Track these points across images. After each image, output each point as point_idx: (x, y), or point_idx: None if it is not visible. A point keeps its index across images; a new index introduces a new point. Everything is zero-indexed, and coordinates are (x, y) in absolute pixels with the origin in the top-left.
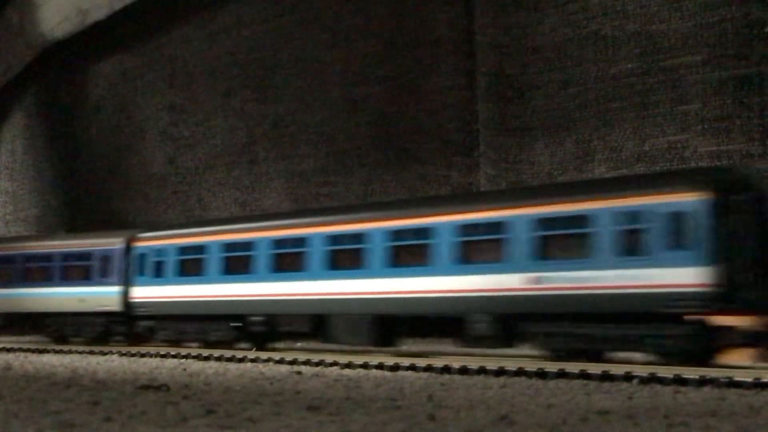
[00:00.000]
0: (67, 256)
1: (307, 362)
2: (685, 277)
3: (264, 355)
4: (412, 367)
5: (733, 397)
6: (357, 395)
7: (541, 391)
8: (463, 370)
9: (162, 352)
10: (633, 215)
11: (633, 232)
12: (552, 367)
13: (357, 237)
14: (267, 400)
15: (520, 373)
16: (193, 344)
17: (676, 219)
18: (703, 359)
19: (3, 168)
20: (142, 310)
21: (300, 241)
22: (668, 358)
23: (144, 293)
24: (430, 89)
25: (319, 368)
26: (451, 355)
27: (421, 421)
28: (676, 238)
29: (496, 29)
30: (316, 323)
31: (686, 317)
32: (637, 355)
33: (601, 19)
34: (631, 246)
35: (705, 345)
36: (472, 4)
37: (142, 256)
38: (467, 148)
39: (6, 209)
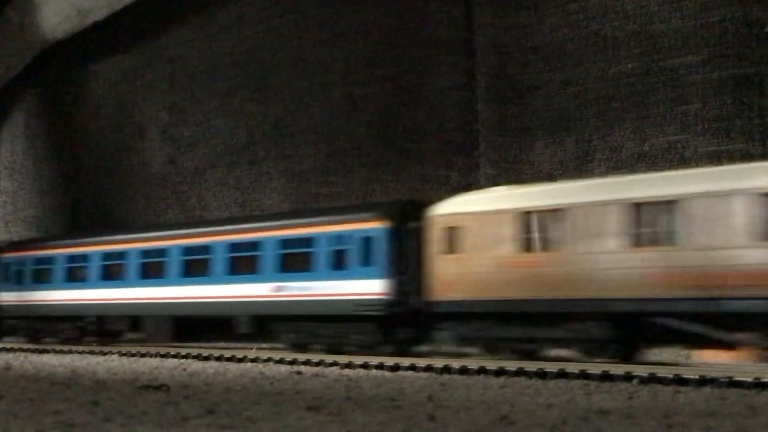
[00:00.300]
0: None
1: (307, 362)
2: (370, 287)
3: (264, 355)
4: (412, 367)
5: (733, 397)
6: (357, 395)
7: (541, 391)
8: (463, 370)
9: (162, 352)
10: (340, 239)
11: (340, 252)
12: (552, 367)
13: (160, 252)
14: (267, 400)
15: (520, 373)
16: (49, 339)
17: (366, 242)
18: (396, 350)
19: (3, 168)
20: (8, 311)
21: (120, 255)
22: (364, 350)
23: (9, 297)
24: (430, 89)
25: (319, 368)
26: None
27: (421, 421)
28: (366, 257)
29: (496, 29)
30: (133, 323)
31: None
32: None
33: (601, 19)
34: (338, 263)
35: (389, 339)
36: (472, 4)
37: (8, 266)
38: (467, 148)
39: (6, 209)
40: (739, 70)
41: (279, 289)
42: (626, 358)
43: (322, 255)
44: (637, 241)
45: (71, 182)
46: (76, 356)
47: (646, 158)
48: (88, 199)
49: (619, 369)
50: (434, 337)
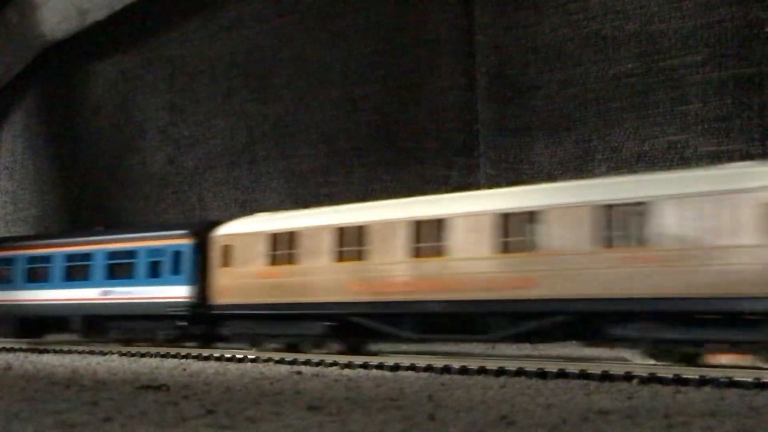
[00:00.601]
0: None
1: (307, 362)
2: (179, 292)
3: (264, 355)
4: (412, 367)
5: (733, 397)
6: (357, 395)
7: (541, 391)
8: (463, 370)
9: (162, 352)
10: (156, 252)
11: (156, 263)
12: (552, 367)
13: (8, 261)
14: (267, 400)
15: (520, 373)
16: None
17: (176, 255)
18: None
19: (3, 168)
20: None
21: None
22: (171, 343)
23: None
24: (430, 89)
25: (319, 368)
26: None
27: (421, 421)
28: (176, 267)
29: (496, 29)
30: None
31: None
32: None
33: (601, 19)
34: (154, 272)
35: (192, 335)
36: (472, 4)
37: None
38: (467, 148)
39: (6, 209)
40: (739, 70)
41: (106, 293)
42: (351, 351)
43: (142, 265)
44: (341, 257)
45: (71, 182)
46: (76, 356)
47: (646, 158)
48: (88, 199)
49: (619, 369)
50: (219, 334)
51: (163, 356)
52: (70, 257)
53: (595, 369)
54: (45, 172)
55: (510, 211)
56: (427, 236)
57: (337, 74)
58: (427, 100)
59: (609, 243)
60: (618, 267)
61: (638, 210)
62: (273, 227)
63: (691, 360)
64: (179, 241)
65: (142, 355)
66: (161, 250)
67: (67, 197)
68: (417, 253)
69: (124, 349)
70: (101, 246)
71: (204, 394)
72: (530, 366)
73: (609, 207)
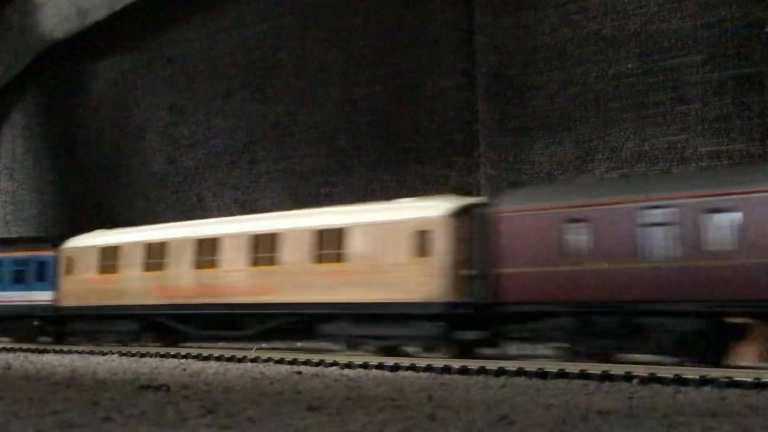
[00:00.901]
0: None
1: (307, 362)
2: (43, 296)
3: (264, 355)
4: (412, 367)
5: (733, 397)
6: (357, 395)
7: (541, 391)
8: (463, 370)
9: (162, 352)
10: (24, 261)
11: (22, 271)
12: (552, 367)
13: None
14: (267, 400)
15: (520, 373)
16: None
17: (41, 265)
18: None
19: (3, 168)
20: None
21: None
22: (29, 339)
23: None
24: (430, 89)
25: (319, 368)
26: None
27: (421, 421)
28: (41, 275)
29: (496, 29)
30: None
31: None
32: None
33: (601, 19)
34: (22, 279)
35: (43, 332)
36: (472, 4)
37: None
38: (467, 148)
39: (6, 209)
40: (739, 70)
41: None
42: (166, 345)
43: (7, 273)
44: (148, 267)
45: (71, 182)
46: (76, 356)
47: (646, 158)
48: (88, 199)
49: (619, 369)
50: (64, 331)
51: (163, 356)
52: None
53: (595, 369)
54: (45, 172)
55: (260, 232)
56: (206, 252)
57: (337, 74)
58: (427, 100)
59: (320, 259)
60: (325, 278)
61: (339, 234)
62: (102, 242)
63: (389, 352)
64: (43, 252)
65: (142, 355)
66: (27, 260)
67: (67, 197)
68: (199, 265)
69: (124, 349)
70: None
71: (204, 394)
72: (530, 366)
73: (321, 231)
